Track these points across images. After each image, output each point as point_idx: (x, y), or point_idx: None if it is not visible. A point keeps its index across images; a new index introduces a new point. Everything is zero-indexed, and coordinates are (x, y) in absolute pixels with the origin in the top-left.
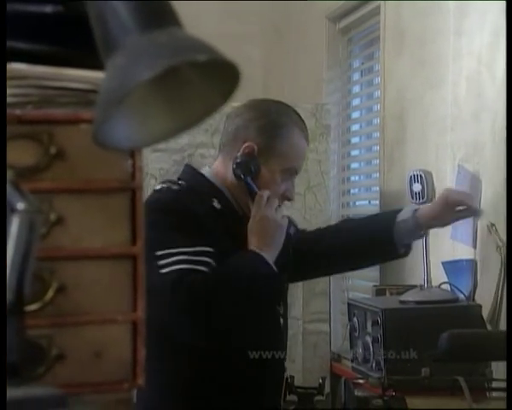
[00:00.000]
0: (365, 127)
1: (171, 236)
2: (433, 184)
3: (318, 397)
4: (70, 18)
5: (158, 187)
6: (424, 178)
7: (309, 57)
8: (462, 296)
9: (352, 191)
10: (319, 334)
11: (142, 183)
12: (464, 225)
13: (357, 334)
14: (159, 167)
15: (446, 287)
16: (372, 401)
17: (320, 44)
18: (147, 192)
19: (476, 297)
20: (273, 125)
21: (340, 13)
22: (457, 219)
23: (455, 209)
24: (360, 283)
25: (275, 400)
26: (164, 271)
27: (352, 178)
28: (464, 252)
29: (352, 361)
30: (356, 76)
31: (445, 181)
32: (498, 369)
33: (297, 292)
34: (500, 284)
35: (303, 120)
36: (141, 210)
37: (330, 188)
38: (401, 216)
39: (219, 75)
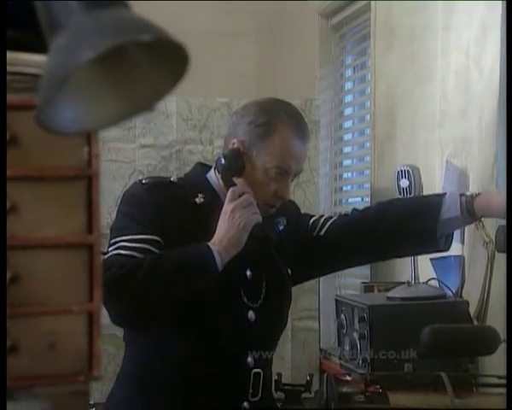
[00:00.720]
0: (358, 124)
1: (123, 224)
2: (420, 179)
3: (306, 394)
4: (25, 1)
5: (137, 181)
6: (411, 173)
7: (302, 54)
8: (449, 293)
9: (344, 188)
10: (308, 331)
11: (98, 170)
12: None
13: (344, 331)
14: (146, 163)
15: (435, 283)
16: (354, 397)
17: (313, 41)
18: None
19: (463, 293)
20: (260, 124)
21: (333, 9)
22: None
23: None
24: (351, 280)
25: (236, 398)
26: (105, 257)
27: (345, 176)
28: (453, 248)
29: (339, 358)
30: (349, 72)
31: (434, 177)
32: (483, 365)
33: None
34: (487, 281)
35: (303, 122)
36: (97, 198)
37: (322, 185)
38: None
39: (167, 58)
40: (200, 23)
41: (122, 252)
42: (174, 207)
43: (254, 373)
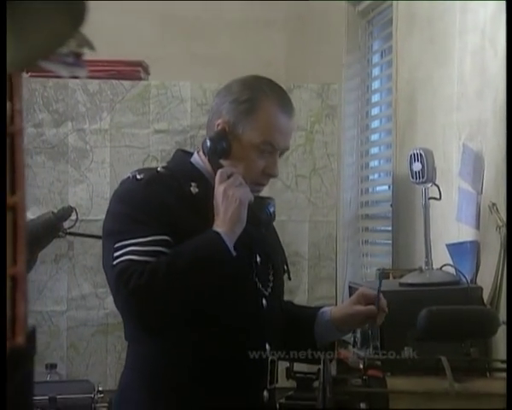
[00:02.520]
0: (385, 110)
1: (127, 227)
2: (433, 162)
3: (317, 383)
4: None
5: (129, 176)
6: (424, 156)
7: (329, 41)
8: (463, 279)
9: (370, 177)
10: None
11: (21, 127)
12: (468, 206)
13: None
14: (160, 149)
15: (449, 269)
16: (351, 381)
17: (340, 28)
18: None
19: (478, 279)
20: (244, 101)
21: None
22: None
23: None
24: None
25: (257, 386)
26: (114, 263)
27: (372, 164)
28: (469, 234)
29: (352, 346)
30: (376, 58)
31: (452, 161)
32: (490, 349)
33: (302, 277)
34: (500, 266)
35: (286, 97)
36: (21, 157)
37: (348, 174)
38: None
39: (65, 3)
40: (229, 11)
41: (134, 258)
42: (174, 200)
43: (271, 361)
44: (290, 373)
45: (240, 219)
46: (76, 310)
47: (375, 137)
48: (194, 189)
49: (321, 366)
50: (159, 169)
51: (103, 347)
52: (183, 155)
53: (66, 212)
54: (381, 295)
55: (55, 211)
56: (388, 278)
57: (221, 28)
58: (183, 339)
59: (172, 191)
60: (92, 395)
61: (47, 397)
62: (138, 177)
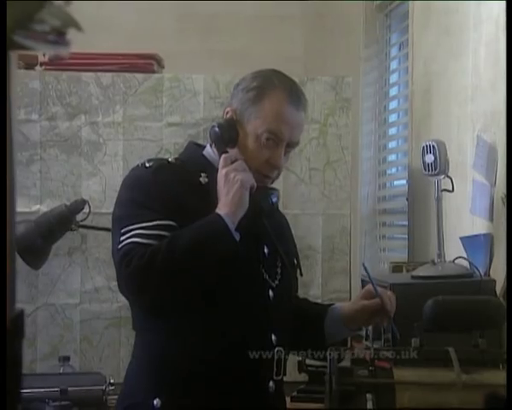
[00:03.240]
0: (403, 103)
1: (134, 212)
2: (446, 154)
3: None
4: None
5: (139, 164)
6: (437, 148)
7: (347, 36)
8: (477, 271)
9: (388, 172)
10: None
11: None
12: (482, 199)
13: None
14: (173, 142)
15: (462, 262)
16: (357, 372)
17: (358, 22)
18: None
19: (491, 272)
20: (252, 89)
21: None
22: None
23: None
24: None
25: (263, 377)
26: (119, 247)
27: (390, 158)
28: (483, 226)
29: (365, 339)
30: (394, 51)
31: (466, 153)
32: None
33: (316, 270)
34: None
35: (296, 89)
36: None
37: (365, 169)
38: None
39: None
40: (247, 6)
41: (138, 240)
42: (182, 188)
43: (277, 351)
44: (302, 367)
45: (241, 201)
46: (89, 303)
47: (392, 131)
48: (203, 179)
49: (328, 358)
50: (170, 159)
51: (116, 340)
52: (194, 147)
53: (79, 205)
54: (390, 291)
55: (68, 204)
56: (401, 271)
57: (238, 23)
58: (188, 327)
59: (180, 180)
60: (103, 387)
61: (58, 389)
62: (147, 165)
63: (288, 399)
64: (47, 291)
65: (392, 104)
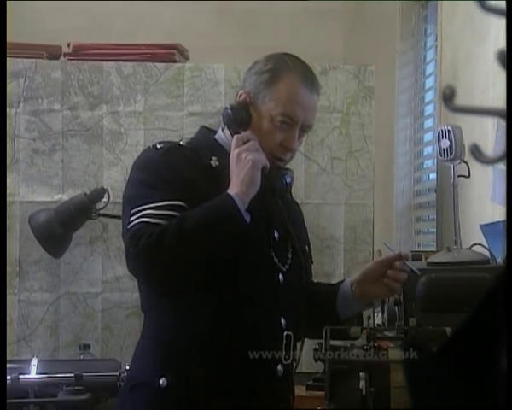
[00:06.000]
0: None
1: (144, 192)
2: (462, 139)
3: None
4: None
5: (150, 146)
6: (452, 132)
7: (386, 30)
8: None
9: (425, 165)
10: None
11: None
12: (502, 186)
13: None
14: (194, 132)
15: (479, 249)
16: (352, 351)
17: (394, 14)
18: None
19: None
20: (265, 71)
21: None
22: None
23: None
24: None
25: (271, 361)
26: (128, 227)
27: (426, 151)
28: (503, 214)
29: (381, 327)
30: (431, 41)
31: (487, 139)
32: None
33: (338, 261)
34: None
35: (310, 72)
36: None
37: (402, 163)
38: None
39: None
40: (291, 3)
41: (148, 220)
42: (192, 170)
43: (286, 335)
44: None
45: (252, 180)
46: (110, 292)
47: (428, 123)
48: (214, 162)
49: (323, 336)
50: (181, 142)
51: (137, 329)
52: (206, 132)
53: (99, 193)
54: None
55: (88, 193)
56: (421, 259)
57: (277, 19)
58: (196, 307)
59: (191, 162)
60: (118, 373)
61: (73, 374)
62: (158, 146)
63: (303, 387)
64: (69, 280)
65: (429, 96)
